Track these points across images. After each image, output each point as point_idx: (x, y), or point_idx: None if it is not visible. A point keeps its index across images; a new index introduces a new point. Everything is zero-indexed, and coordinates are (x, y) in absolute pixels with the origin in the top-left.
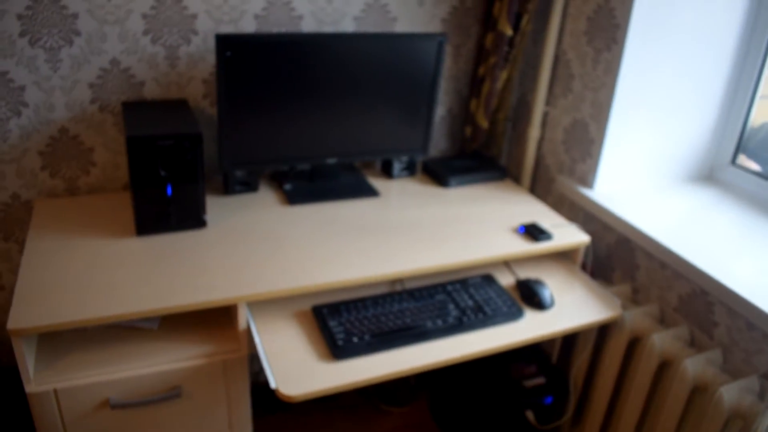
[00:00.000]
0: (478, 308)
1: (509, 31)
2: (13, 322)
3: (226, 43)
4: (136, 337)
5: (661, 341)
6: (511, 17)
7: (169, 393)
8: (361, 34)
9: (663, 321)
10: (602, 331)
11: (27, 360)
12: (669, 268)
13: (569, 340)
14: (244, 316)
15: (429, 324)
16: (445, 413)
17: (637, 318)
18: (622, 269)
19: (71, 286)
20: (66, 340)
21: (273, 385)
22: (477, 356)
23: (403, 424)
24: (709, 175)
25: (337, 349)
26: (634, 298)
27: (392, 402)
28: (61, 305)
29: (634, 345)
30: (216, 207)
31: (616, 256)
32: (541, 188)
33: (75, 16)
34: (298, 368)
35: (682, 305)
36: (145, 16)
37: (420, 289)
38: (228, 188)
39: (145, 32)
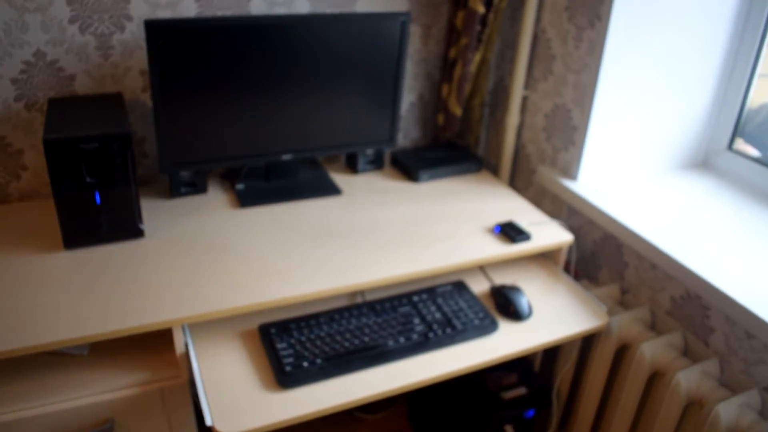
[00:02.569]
0: (447, 322)
1: (481, 9)
2: None
3: (156, 30)
4: (63, 364)
5: (652, 350)
6: None
7: (100, 428)
8: (314, 15)
9: (654, 326)
10: (588, 338)
11: None
12: (660, 268)
13: (553, 347)
14: (181, 340)
15: (390, 342)
16: (422, 421)
17: (626, 323)
18: (610, 268)
19: None
20: None
21: (209, 421)
22: (444, 378)
23: None
24: (703, 161)
25: (284, 376)
26: (622, 300)
27: (367, 409)
28: None
29: (622, 353)
30: (158, 212)
31: (603, 253)
32: (522, 180)
33: None
34: (239, 400)
35: (676, 308)
36: (70, 2)
37: (382, 301)
38: (173, 191)
39: (72, 20)
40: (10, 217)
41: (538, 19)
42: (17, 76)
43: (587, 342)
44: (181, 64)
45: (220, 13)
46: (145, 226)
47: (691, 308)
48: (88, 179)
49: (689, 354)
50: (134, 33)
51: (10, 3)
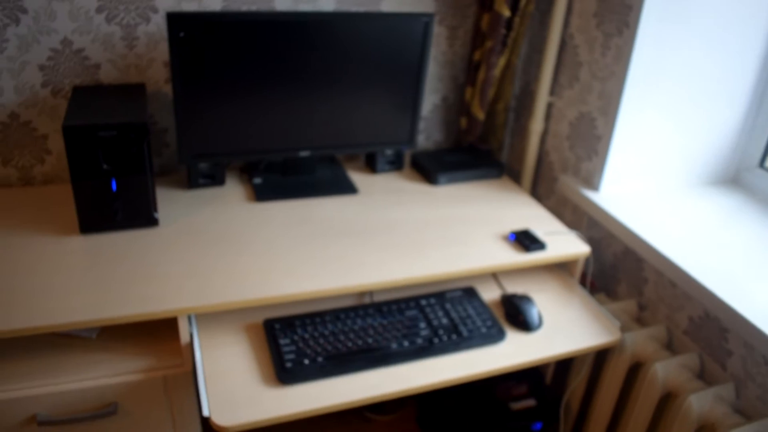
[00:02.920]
0: (453, 328)
1: (507, 12)
2: None
3: (178, 22)
4: (72, 346)
5: (666, 370)
6: None
7: (104, 410)
8: (337, 13)
9: (670, 345)
10: (602, 353)
11: None
12: (679, 287)
13: (566, 360)
14: (186, 330)
15: (394, 345)
16: (432, 425)
17: (640, 341)
18: (629, 283)
19: (1, 290)
20: None
21: (206, 412)
22: (446, 385)
23: None
24: (733, 178)
25: (284, 372)
26: (639, 317)
27: (378, 410)
28: None
29: (636, 370)
30: (175, 202)
31: (623, 267)
32: (544, 188)
33: None
34: (238, 393)
35: (693, 328)
36: None
37: (389, 303)
38: (191, 182)
39: (99, 10)
40: (33, 199)
41: (566, 25)
42: (45, 63)
43: (600, 357)
44: (202, 57)
45: (245, 7)
46: (160, 214)
47: (709, 330)
48: (105, 166)
49: (705, 376)
50: (159, 25)
51: None
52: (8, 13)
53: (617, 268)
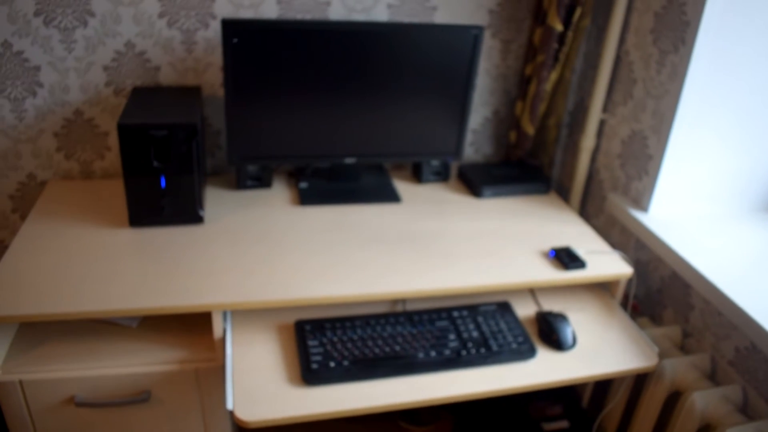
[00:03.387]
0: (483, 341)
1: (559, 27)
2: None
3: (232, 29)
4: (113, 333)
5: (705, 401)
6: (562, 10)
7: (137, 397)
8: (388, 24)
9: (714, 375)
10: (641, 377)
11: None
12: (726, 316)
13: (604, 382)
14: (219, 325)
15: (421, 355)
16: None
17: (681, 368)
18: (675, 308)
19: (53, 275)
20: (45, 330)
21: (229, 406)
22: (470, 398)
23: None
24: None
25: (309, 373)
26: (683, 344)
27: (414, 420)
28: (37, 295)
29: (675, 398)
30: (222, 201)
31: (669, 292)
32: (593, 206)
33: None
34: (263, 390)
35: (739, 359)
36: None
37: (421, 313)
38: (239, 183)
39: (161, 15)
40: (91, 192)
41: (622, 40)
42: (109, 64)
43: (639, 382)
44: (255, 63)
45: (299, 16)
46: (207, 213)
47: (755, 362)
48: (155, 164)
49: (748, 410)
50: (217, 30)
51: None
52: (78, 16)
53: (663, 293)
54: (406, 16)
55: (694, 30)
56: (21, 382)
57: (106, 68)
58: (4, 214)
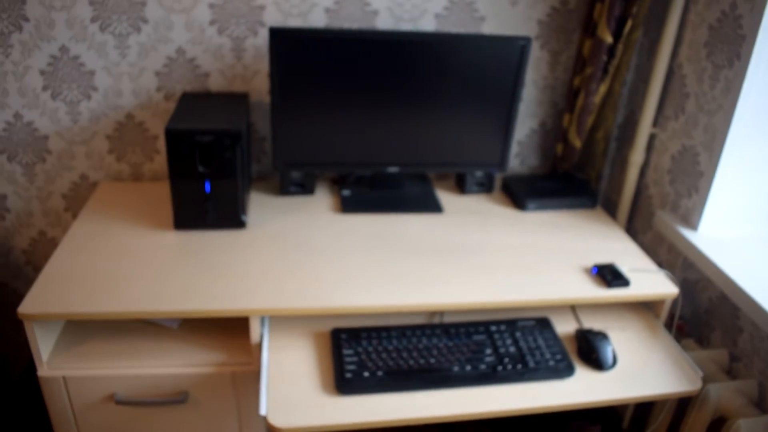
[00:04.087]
0: (520, 357)
1: (609, 39)
2: (25, 307)
3: (279, 37)
4: (155, 333)
5: (751, 429)
6: (612, 22)
7: (175, 397)
8: (435, 34)
9: (761, 403)
10: (685, 401)
11: (39, 344)
12: None
13: (646, 404)
14: (257, 330)
15: (456, 368)
16: None
17: (726, 394)
18: (723, 331)
19: (99, 274)
20: (89, 327)
21: (263, 411)
22: (505, 415)
23: None
24: None
25: (343, 382)
26: (730, 368)
27: None
28: (83, 294)
29: (719, 425)
30: (265, 207)
31: (718, 313)
32: (641, 223)
33: (143, 3)
34: (296, 397)
35: None
36: (212, 6)
37: (458, 326)
38: (282, 189)
39: (212, 22)
40: (139, 194)
41: (674, 54)
42: (160, 70)
43: (683, 405)
44: (300, 71)
45: (347, 24)
46: (250, 218)
47: None
48: (200, 169)
49: None
50: (266, 38)
51: (159, 2)
52: (132, 22)
53: (712, 314)
54: (453, 26)
55: (750, 44)
56: (65, 378)
57: (157, 73)
58: (57, 213)
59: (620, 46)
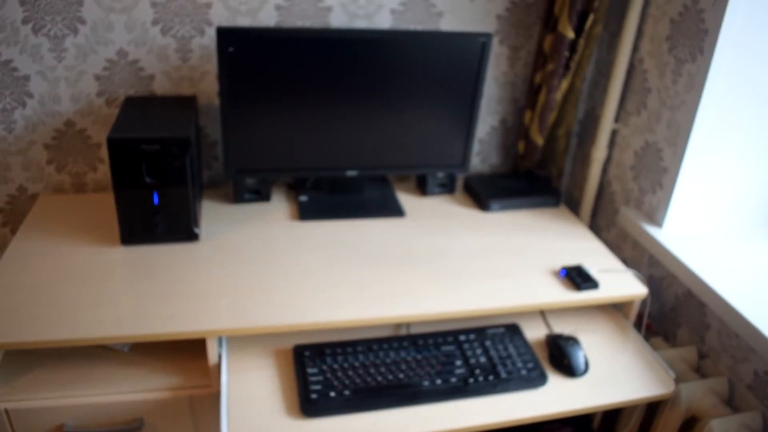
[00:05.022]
0: (491, 368)
1: (570, 34)
2: None
3: (227, 38)
4: (104, 358)
5: (723, 429)
6: (573, 17)
7: (130, 425)
8: (392, 31)
9: (732, 400)
10: (655, 401)
11: None
12: (744, 339)
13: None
14: (214, 351)
15: (426, 383)
16: None
17: (698, 393)
18: (690, 328)
19: (41, 298)
20: (32, 355)
21: None
22: (479, 429)
23: None
24: None
25: (309, 404)
26: (699, 365)
27: None
28: (23, 321)
29: (691, 425)
30: (219, 216)
31: (684, 310)
32: (604, 219)
33: (79, 2)
34: (259, 421)
35: (758, 384)
36: (154, 5)
37: (426, 336)
38: (237, 196)
39: (155, 22)
40: (82, 207)
41: (635, 48)
42: (100, 73)
43: (653, 406)
44: (251, 73)
45: (299, 23)
46: (203, 228)
47: None
48: (147, 179)
49: None
50: (213, 38)
51: (98, 3)
52: (68, 23)
53: (678, 311)
54: (410, 23)
55: (713, 38)
56: (7, 411)
57: (98, 77)
58: None
59: (582, 42)
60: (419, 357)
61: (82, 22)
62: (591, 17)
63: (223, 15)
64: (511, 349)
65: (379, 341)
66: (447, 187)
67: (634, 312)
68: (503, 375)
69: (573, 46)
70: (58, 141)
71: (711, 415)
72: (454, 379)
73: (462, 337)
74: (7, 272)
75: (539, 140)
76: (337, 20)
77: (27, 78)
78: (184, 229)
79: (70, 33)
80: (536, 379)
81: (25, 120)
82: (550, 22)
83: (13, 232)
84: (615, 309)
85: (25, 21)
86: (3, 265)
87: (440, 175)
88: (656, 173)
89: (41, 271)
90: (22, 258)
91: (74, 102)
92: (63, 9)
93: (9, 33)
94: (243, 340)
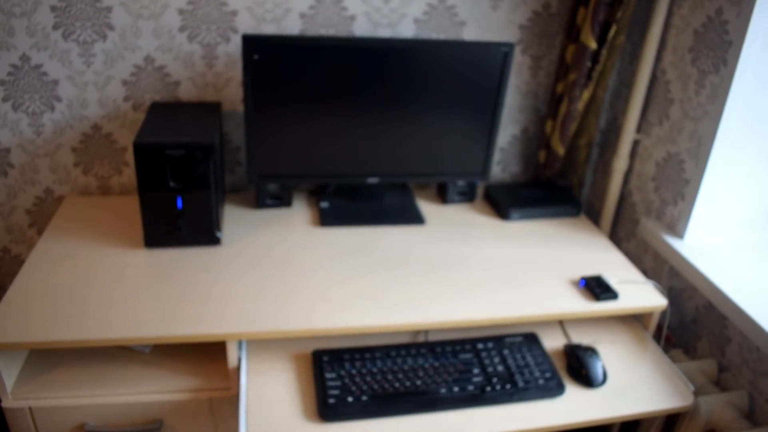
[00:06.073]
0: (509, 376)
1: (593, 45)
2: None
3: (252, 45)
4: (126, 358)
5: None
6: (596, 27)
7: (149, 426)
8: (415, 41)
9: (752, 415)
10: (673, 414)
11: (3, 373)
12: (764, 352)
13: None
14: (234, 354)
15: (443, 390)
16: None
17: (717, 407)
18: (710, 340)
19: (65, 298)
20: (56, 354)
21: None
22: None
23: None
24: None
25: (326, 408)
26: (719, 379)
27: None
28: (47, 321)
29: None
30: (241, 221)
31: (705, 323)
32: (624, 230)
33: (109, 9)
34: (277, 425)
35: None
36: (181, 12)
37: (444, 344)
38: (259, 202)
39: (182, 29)
40: (107, 209)
41: (658, 59)
42: (128, 78)
43: (672, 419)
44: (275, 80)
45: (323, 30)
46: (225, 233)
47: None
48: (171, 184)
49: None
50: (239, 45)
51: (126, 8)
52: (97, 29)
53: (699, 323)
54: (433, 31)
55: (737, 50)
56: (31, 409)
57: (125, 83)
58: (21, 229)
59: (604, 52)
60: (437, 364)
61: (111, 28)
62: (613, 28)
63: (249, 23)
64: (529, 358)
65: (397, 348)
66: (467, 196)
67: (653, 323)
68: (520, 384)
69: (595, 57)
70: (84, 144)
71: (730, 429)
72: (471, 387)
73: (480, 345)
74: (33, 272)
75: (560, 150)
76: (361, 29)
77: (56, 82)
78: (206, 233)
79: (99, 39)
80: (554, 389)
81: (54, 123)
82: (572, 33)
83: (40, 233)
84: (634, 320)
85: (55, 27)
86: (29, 266)
87: (461, 183)
88: (678, 184)
89: (66, 271)
90: (48, 259)
91: (101, 106)
92: (92, 15)
93: (39, 38)
94: (263, 344)
